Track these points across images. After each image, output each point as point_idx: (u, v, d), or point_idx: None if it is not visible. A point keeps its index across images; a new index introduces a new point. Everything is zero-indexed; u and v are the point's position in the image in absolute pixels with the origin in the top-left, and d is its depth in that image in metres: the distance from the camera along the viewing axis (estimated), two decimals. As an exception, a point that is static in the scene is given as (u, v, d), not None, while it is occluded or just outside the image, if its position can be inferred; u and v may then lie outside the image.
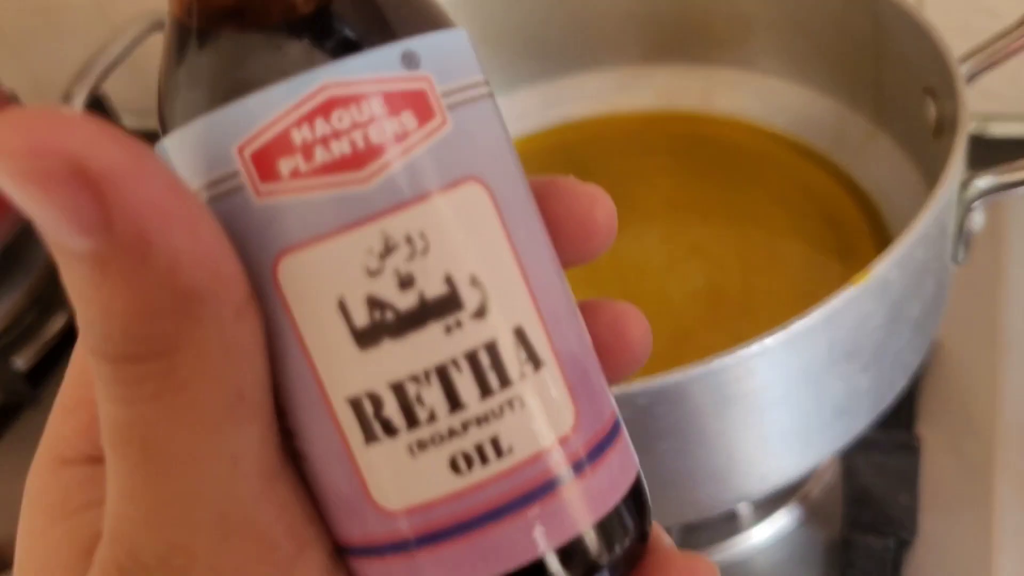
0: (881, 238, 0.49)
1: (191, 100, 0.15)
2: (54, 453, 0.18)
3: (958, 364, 0.49)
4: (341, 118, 0.15)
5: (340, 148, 0.14)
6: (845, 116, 0.52)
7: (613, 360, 0.18)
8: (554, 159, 0.58)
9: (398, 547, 0.15)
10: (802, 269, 0.50)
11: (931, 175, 0.47)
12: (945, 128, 0.44)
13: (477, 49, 0.17)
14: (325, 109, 0.15)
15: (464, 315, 0.15)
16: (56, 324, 0.65)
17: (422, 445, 0.15)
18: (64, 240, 0.13)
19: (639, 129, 0.58)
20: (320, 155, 0.14)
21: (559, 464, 0.16)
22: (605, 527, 0.16)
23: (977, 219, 0.41)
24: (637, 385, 0.34)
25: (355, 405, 0.15)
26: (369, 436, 0.15)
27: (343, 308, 0.15)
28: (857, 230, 0.50)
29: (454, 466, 0.15)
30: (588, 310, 0.18)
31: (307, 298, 0.15)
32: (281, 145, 0.15)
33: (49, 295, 0.65)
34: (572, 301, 0.17)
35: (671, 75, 0.58)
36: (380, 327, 0.15)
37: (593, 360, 0.17)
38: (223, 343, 0.14)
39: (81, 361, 0.18)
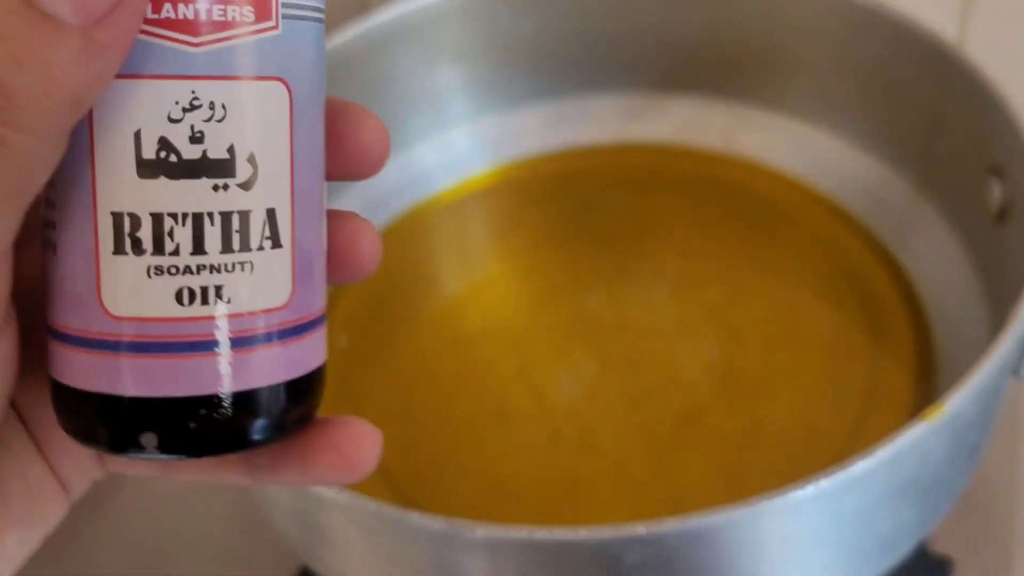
0: (917, 318, 0.45)
1: None
2: None
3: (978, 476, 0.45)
4: None
5: (185, 12, 0.17)
6: (886, 179, 0.47)
7: (341, 265, 0.21)
8: (552, 189, 0.52)
9: (107, 346, 0.18)
10: (827, 344, 0.45)
11: (985, 262, 0.42)
12: (1013, 216, 0.39)
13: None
14: None
15: (233, 182, 0.18)
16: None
17: (159, 270, 0.18)
18: None
19: (651, 164, 0.52)
20: (167, 10, 0.17)
21: (262, 327, 0.19)
22: (278, 392, 0.19)
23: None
24: (669, 525, 0.29)
25: (116, 219, 0.18)
26: (118, 248, 0.18)
27: (137, 139, 0.17)
28: (890, 305, 0.45)
29: (179, 297, 0.18)
30: (335, 218, 0.21)
31: (111, 120, 0.17)
32: None
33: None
34: (323, 208, 0.20)
35: (691, 106, 0.52)
36: (162, 164, 0.18)
37: (322, 260, 0.20)
38: None
39: None
